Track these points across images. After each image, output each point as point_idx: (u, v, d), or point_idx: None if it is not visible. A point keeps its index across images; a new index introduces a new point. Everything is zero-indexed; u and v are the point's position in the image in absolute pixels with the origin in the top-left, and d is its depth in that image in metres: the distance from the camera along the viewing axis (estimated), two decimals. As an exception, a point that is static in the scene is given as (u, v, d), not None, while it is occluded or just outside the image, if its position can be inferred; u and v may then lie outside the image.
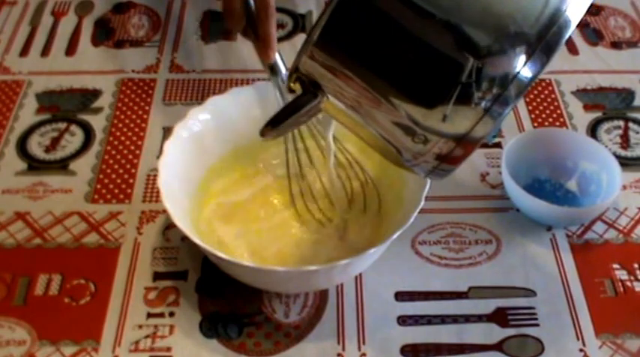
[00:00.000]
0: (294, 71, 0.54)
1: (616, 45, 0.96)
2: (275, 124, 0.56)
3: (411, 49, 0.49)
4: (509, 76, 0.48)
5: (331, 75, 0.52)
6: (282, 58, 0.70)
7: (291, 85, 0.55)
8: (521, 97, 0.50)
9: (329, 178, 0.70)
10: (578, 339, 0.66)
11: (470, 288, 0.69)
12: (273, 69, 0.69)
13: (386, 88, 0.50)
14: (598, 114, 0.87)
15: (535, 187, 0.76)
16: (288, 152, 0.72)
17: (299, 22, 0.98)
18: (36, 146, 0.81)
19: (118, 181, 0.78)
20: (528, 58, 0.48)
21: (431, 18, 0.48)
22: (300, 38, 0.95)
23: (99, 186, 0.77)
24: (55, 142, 0.82)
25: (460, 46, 0.48)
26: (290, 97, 0.66)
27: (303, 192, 0.72)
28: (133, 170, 0.79)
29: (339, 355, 0.65)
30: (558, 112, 0.86)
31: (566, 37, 0.48)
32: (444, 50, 0.49)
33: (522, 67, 0.48)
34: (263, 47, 0.69)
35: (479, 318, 0.67)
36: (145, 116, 0.85)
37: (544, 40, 0.48)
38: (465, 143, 0.51)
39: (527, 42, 0.48)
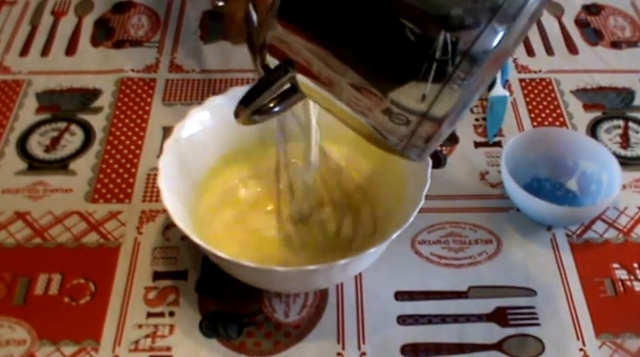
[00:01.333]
0: (262, 47, 0.52)
1: (616, 45, 0.96)
2: (247, 103, 0.54)
3: (367, 18, 0.48)
4: (465, 47, 0.46)
5: (299, 48, 0.51)
6: None
7: (263, 61, 0.54)
8: (481, 67, 0.47)
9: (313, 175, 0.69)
10: (578, 338, 0.66)
11: (470, 287, 0.69)
12: None
13: (350, 60, 0.49)
14: (598, 113, 0.87)
15: (535, 187, 0.76)
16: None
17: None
18: (36, 146, 0.82)
19: (118, 180, 0.78)
20: (486, 26, 0.45)
21: None
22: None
23: (99, 186, 0.77)
24: (55, 142, 0.82)
25: (414, 15, 0.46)
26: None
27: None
28: (133, 170, 0.79)
29: (338, 354, 0.65)
30: (558, 111, 0.86)
31: (528, 2, 0.46)
32: (399, 18, 0.47)
33: (480, 35, 0.46)
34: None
35: (479, 317, 0.67)
36: (144, 116, 0.85)
37: (501, 8, 0.45)
38: (430, 119, 0.49)
39: (485, 9, 0.46)
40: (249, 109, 0.54)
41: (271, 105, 0.55)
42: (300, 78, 0.53)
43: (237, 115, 0.55)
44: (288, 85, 0.54)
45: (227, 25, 0.69)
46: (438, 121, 0.49)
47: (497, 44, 0.46)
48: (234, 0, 0.69)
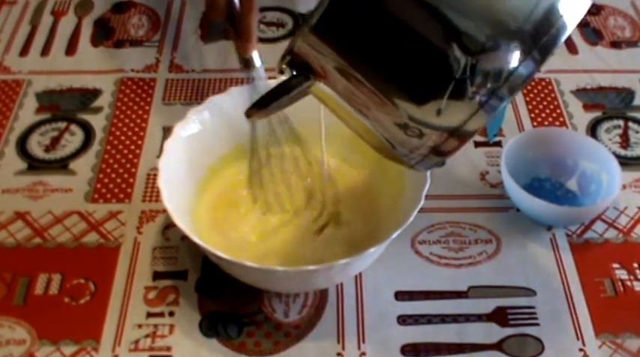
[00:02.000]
0: (288, 53, 0.53)
1: (616, 44, 0.96)
2: (263, 105, 0.55)
3: (407, 42, 0.49)
4: (505, 73, 0.48)
5: (325, 61, 0.52)
6: (260, 52, 0.69)
7: (283, 66, 0.55)
8: (515, 94, 0.49)
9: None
10: (577, 338, 0.66)
11: (470, 287, 0.69)
12: (247, 63, 0.69)
13: (380, 80, 0.50)
14: (598, 113, 0.87)
15: (535, 187, 0.76)
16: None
17: (299, 21, 0.98)
18: (36, 146, 0.81)
19: (118, 180, 0.78)
20: (524, 58, 0.48)
21: (430, 11, 0.48)
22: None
23: (99, 185, 0.77)
24: (54, 142, 0.82)
25: (457, 42, 0.48)
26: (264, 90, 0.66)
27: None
28: (133, 170, 0.79)
29: (338, 354, 0.65)
30: (558, 111, 0.86)
31: (563, 39, 0.48)
32: (441, 45, 0.48)
33: (518, 65, 0.48)
34: (242, 40, 0.69)
35: (479, 317, 0.67)
36: (144, 116, 0.85)
37: (541, 40, 0.48)
38: (458, 136, 0.51)
39: (523, 41, 0.48)
40: (266, 111, 0.55)
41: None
42: (319, 87, 0.53)
43: (249, 115, 0.56)
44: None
45: (208, 5, 0.69)
46: (467, 136, 0.50)
47: (532, 73, 0.48)
48: None
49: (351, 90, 0.52)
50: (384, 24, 0.49)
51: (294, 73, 0.55)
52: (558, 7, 0.48)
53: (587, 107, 0.87)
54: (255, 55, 0.70)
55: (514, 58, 0.48)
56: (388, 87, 0.50)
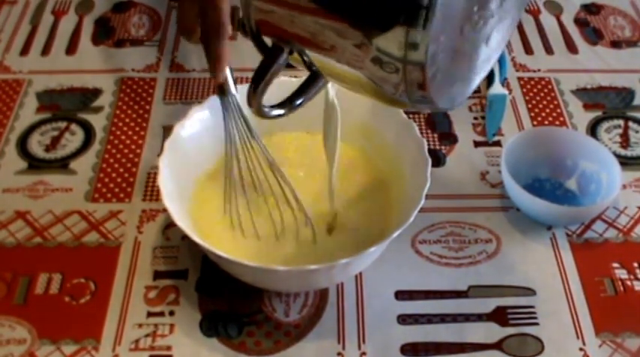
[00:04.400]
0: (253, 31, 0.53)
1: (616, 44, 0.96)
2: (255, 88, 0.54)
3: None
4: None
5: (283, 21, 0.51)
6: (234, 78, 0.67)
7: (263, 44, 0.54)
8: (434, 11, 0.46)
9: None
10: (577, 338, 0.66)
11: (470, 287, 0.69)
12: (221, 89, 0.67)
13: (329, 16, 0.49)
14: (598, 113, 0.87)
15: (535, 186, 0.76)
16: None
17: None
18: (36, 145, 0.82)
19: (119, 180, 0.78)
20: None
21: None
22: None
23: (99, 185, 0.77)
24: (55, 141, 0.82)
25: None
26: (235, 121, 0.66)
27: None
28: (134, 169, 0.79)
29: (339, 354, 0.65)
30: (558, 111, 0.86)
31: None
32: None
33: None
34: (211, 66, 0.67)
35: (479, 317, 0.67)
36: (145, 115, 0.85)
37: None
38: (411, 63, 0.48)
39: None
40: (258, 94, 0.54)
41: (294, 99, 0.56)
42: (299, 49, 0.53)
43: (249, 102, 0.55)
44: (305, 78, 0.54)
45: (179, 26, 0.68)
46: (421, 65, 0.47)
47: None
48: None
49: (319, 38, 0.50)
50: None
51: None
52: None
53: (587, 107, 0.87)
54: (229, 83, 0.67)
55: None
56: (337, 17, 0.48)
